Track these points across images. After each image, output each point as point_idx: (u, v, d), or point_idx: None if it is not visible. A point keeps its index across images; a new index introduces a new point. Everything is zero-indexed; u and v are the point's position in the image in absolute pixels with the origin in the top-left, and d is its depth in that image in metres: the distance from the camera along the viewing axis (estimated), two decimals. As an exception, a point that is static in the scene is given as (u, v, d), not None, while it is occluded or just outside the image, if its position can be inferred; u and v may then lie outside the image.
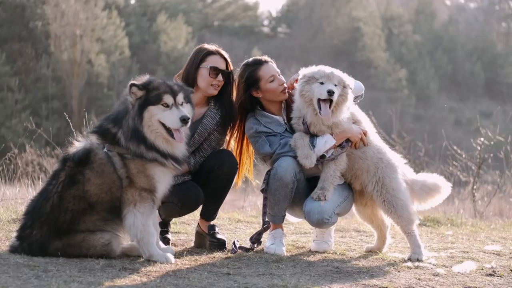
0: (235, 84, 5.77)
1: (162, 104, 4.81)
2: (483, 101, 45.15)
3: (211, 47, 5.72)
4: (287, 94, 5.72)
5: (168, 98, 4.82)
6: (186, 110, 4.87)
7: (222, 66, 5.66)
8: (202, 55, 5.64)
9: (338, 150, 5.46)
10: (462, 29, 52.75)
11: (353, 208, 5.81)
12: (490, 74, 48.09)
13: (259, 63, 5.75)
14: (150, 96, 4.81)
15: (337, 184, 5.59)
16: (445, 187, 5.71)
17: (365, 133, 5.53)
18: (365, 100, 5.65)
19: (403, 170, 5.65)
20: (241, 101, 5.74)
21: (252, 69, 5.71)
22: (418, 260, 5.34)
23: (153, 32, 40.33)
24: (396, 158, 5.65)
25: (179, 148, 4.94)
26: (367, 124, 5.65)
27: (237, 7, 49.80)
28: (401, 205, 5.43)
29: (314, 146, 5.39)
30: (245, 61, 5.80)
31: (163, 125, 4.81)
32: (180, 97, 4.88)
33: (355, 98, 5.65)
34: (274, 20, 51.31)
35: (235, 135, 5.88)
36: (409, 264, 5.22)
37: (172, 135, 4.82)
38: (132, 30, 39.48)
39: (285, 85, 5.72)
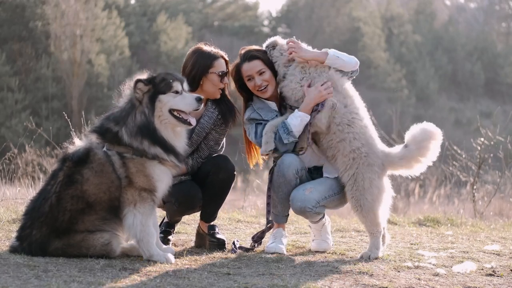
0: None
1: (172, 92, 4.88)
2: (483, 101, 45.15)
3: (212, 49, 5.66)
4: (267, 92, 5.67)
5: (177, 85, 4.91)
6: None
7: (226, 68, 5.68)
8: (210, 61, 5.59)
9: (313, 115, 5.44)
10: (462, 29, 52.75)
11: None
12: (490, 74, 48.08)
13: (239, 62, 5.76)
14: (160, 86, 4.87)
15: (332, 177, 5.59)
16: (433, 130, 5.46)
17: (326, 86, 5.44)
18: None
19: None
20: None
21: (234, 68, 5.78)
22: (370, 258, 5.35)
23: (153, 32, 40.33)
24: (381, 151, 5.48)
25: (182, 141, 5.00)
26: (358, 102, 5.57)
27: (237, 7, 49.78)
28: (368, 206, 5.37)
29: (291, 131, 5.41)
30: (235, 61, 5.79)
31: (172, 114, 4.86)
32: (185, 85, 5.01)
33: (351, 73, 5.65)
34: (274, 20, 51.28)
35: None
36: (409, 264, 5.22)
37: (183, 121, 4.88)
38: (132, 30, 39.49)
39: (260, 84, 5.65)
